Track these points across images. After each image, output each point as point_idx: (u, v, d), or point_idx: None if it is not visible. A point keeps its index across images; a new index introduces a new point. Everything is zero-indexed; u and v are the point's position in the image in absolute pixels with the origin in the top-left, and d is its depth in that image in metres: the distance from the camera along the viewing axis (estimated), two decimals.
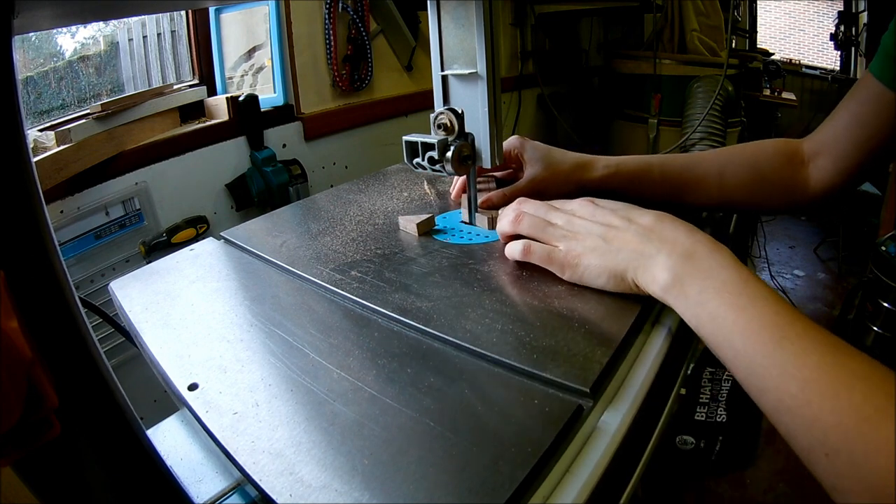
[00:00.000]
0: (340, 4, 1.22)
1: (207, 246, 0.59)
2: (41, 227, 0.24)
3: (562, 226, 0.45)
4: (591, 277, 0.42)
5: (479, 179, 0.62)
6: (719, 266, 0.36)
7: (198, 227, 1.03)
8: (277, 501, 0.27)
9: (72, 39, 1.02)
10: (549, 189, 0.57)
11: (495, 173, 0.65)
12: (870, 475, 0.27)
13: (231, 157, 1.13)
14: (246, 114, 1.12)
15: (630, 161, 0.57)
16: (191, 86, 1.19)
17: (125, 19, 1.08)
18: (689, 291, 0.36)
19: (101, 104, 0.92)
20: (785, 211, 0.59)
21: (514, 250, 0.46)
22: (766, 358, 0.32)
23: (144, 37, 1.14)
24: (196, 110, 1.16)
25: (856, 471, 0.28)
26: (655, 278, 0.38)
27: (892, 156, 0.51)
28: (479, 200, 0.57)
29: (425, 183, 0.73)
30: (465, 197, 0.57)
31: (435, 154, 0.50)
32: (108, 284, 0.52)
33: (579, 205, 0.46)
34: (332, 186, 0.80)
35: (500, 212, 0.51)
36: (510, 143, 0.60)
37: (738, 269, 0.35)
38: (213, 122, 1.12)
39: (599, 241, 0.42)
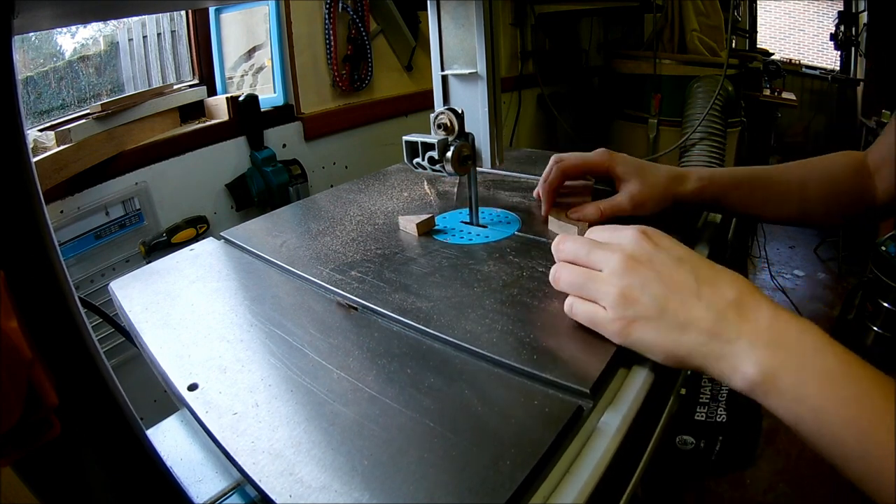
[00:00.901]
0: (340, 4, 1.22)
1: (207, 246, 0.59)
2: (41, 227, 0.24)
3: (606, 277, 0.37)
4: (645, 350, 0.36)
5: (569, 185, 0.59)
6: (814, 350, 0.31)
7: (198, 227, 1.03)
8: (277, 502, 0.27)
9: (72, 39, 1.02)
10: (648, 204, 0.54)
11: (576, 182, 0.61)
12: None
13: (231, 157, 1.13)
14: (246, 114, 1.12)
15: (724, 174, 0.55)
16: (191, 86, 1.19)
17: (125, 19, 1.08)
18: (784, 386, 0.31)
19: (101, 104, 0.91)
20: (853, 222, 0.58)
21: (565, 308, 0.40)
22: (888, 459, 0.27)
23: (144, 37, 1.14)
24: (196, 110, 1.15)
25: None
26: (739, 372, 0.32)
27: None
28: (570, 210, 0.55)
29: (425, 183, 0.73)
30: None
31: (435, 154, 0.50)
32: (108, 284, 0.52)
33: (633, 241, 0.38)
34: (332, 186, 0.80)
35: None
36: (598, 155, 0.56)
37: (836, 351, 0.31)
38: (213, 122, 1.12)
39: (656, 307, 0.34)
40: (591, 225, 0.48)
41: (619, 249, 0.37)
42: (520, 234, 0.55)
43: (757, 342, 0.32)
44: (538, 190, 0.59)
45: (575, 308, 0.38)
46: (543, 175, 0.57)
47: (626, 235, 0.38)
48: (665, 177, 0.55)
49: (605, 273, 0.37)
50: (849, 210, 0.55)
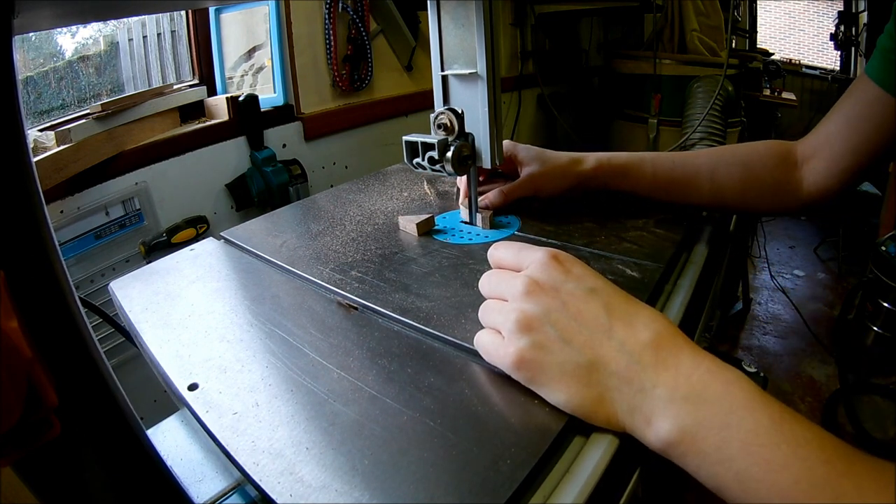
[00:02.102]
0: (340, 4, 1.22)
1: (207, 246, 0.59)
2: (41, 227, 0.24)
3: (508, 304, 0.33)
4: (545, 391, 0.31)
5: (482, 180, 0.62)
6: (743, 406, 0.27)
7: (198, 227, 1.03)
8: (277, 501, 0.27)
9: (72, 39, 1.02)
10: (546, 184, 0.58)
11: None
12: None
13: (231, 157, 1.13)
14: (246, 114, 1.12)
15: (622, 155, 0.58)
16: (191, 86, 1.19)
17: (125, 19, 1.08)
18: (705, 447, 0.27)
19: (101, 104, 0.91)
20: (777, 213, 0.58)
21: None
22: None
23: (144, 37, 1.14)
24: (196, 110, 1.15)
25: None
26: (653, 427, 0.28)
27: (889, 158, 0.50)
28: (480, 199, 0.57)
29: (425, 183, 0.73)
30: (463, 196, 0.58)
31: (435, 154, 0.50)
32: (108, 284, 0.52)
33: (540, 264, 0.34)
34: (332, 186, 0.80)
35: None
36: (503, 147, 0.59)
37: (767, 407, 0.27)
38: (213, 122, 1.12)
39: (559, 340, 0.31)
40: (494, 211, 0.56)
41: (525, 273, 0.34)
42: (520, 233, 0.55)
43: (675, 394, 0.28)
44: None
45: (478, 339, 0.35)
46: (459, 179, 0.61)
47: (534, 258, 0.34)
48: (565, 159, 0.58)
49: (508, 300, 0.33)
50: (766, 198, 0.55)
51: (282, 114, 1.21)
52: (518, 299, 0.32)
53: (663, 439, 0.28)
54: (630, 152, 0.58)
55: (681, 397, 0.28)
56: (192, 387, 0.36)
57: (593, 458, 0.30)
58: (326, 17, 1.21)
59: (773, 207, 0.56)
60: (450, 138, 0.51)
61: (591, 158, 0.58)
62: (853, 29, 3.00)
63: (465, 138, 0.52)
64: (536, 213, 0.59)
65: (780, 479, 0.25)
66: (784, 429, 0.26)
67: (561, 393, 0.30)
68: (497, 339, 0.33)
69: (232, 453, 0.30)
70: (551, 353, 0.31)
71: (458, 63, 0.52)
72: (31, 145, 0.83)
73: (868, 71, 0.49)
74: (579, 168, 0.57)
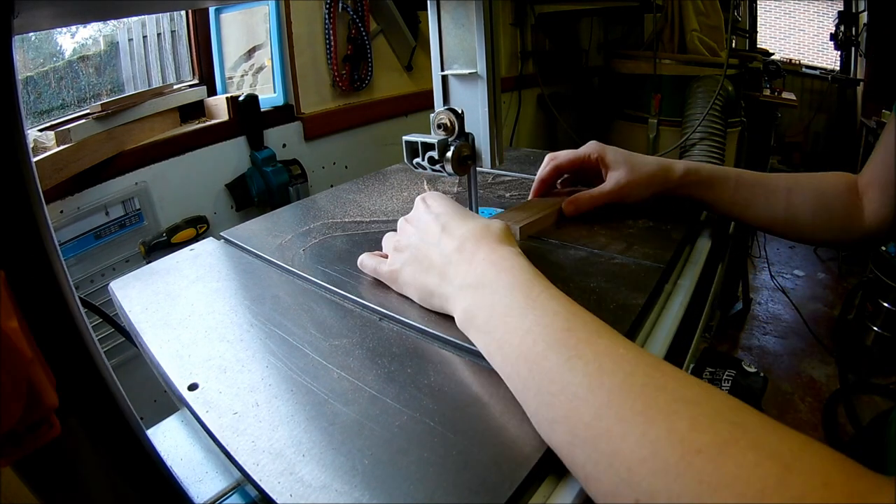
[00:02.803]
0: (340, 4, 1.22)
1: (207, 246, 0.59)
2: (41, 227, 0.24)
3: (397, 234, 0.45)
4: (408, 292, 0.42)
5: (561, 182, 0.63)
6: (504, 288, 0.33)
7: (198, 227, 1.03)
8: (277, 501, 0.27)
9: (72, 39, 1.02)
10: (633, 192, 0.56)
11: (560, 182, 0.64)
12: None
13: (231, 157, 1.13)
14: (246, 114, 1.12)
15: (706, 166, 0.57)
16: (191, 86, 1.19)
17: (125, 19, 1.08)
18: (479, 322, 0.34)
19: (101, 104, 0.91)
20: (843, 242, 0.58)
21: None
22: (555, 384, 0.27)
23: (144, 37, 1.14)
24: (196, 110, 1.15)
25: None
26: (455, 311, 0.37)
27: None
28: (565, 203, 0.57)
29: (425, 183, 0.73)
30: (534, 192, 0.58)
31: (435, 154, 0.50)
32: (108, 284, 0.52)
33: (414, 207, 0.45)
34: (332, 186, 0.80)
35: None
36: (588, 147, 0.59)
37: (525, 288, 0.32)
38: (213, 122, 1.12)
39: (412, 255, 0.41)
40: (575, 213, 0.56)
41: (403, 217, 0.45)
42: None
43: (464, 283, 0.36)
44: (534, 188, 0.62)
45: (361, 260, 0.47)
46: (538, 172, 0.60)
47: (419, 198, 0.46)
48: (652, 166, 0.57)
49: (399, 230, 0.45)
50: (839, 229, 0.55)
51: (282, 114, 1.21)
52: (396, 234, 0.45)
53: (458, 319, 0.36)
54: (713, 165, 0.58)
55: (467, 285, 0.36)
56: (192, 387, 0.36)
57: None
58: (326, 17, 1.21)
59: (839, 236, 0.56)
60: (450, 138, 0.51)
61: (679, 167, 0.57)
62: (853, 29, 3.00)
63: (465, 138, 0.52)
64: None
65: (524, 341, 0.30)
66: (535, 304, 0.31)
67: (414, 292, 0.41)
68: (380, 259, 0.46)
69: (232, 453, 0.30)
70: (408, 264, 0.42)
71: (458, 63, 0.52)
72: (31, 145, 0.83)
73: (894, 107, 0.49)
74: (668, 176, 0.56)
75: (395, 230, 0.47)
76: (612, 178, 0.56)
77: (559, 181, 0.63)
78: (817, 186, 0.56)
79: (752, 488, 0.20)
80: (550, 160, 0.60)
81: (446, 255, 0.38)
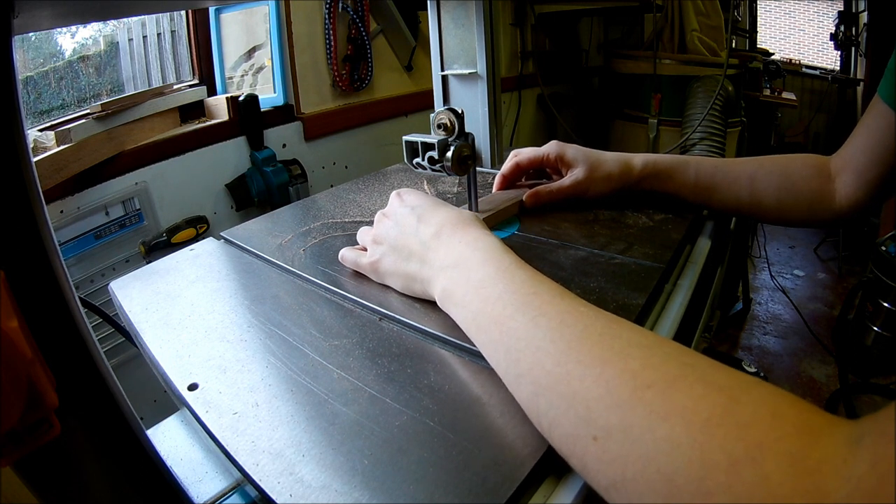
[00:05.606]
0: (340, 4, 1.22)
1: (207, 246, 0.59)
2: (41, 227, 0.24)
3: (374, 228, 0.46)
4: (389, 281, 0.44)
5: (520, 184, 0.64)
6: (478, 264, 0.36)
7: (198, 227, 1.03)
8: (277, 501, 0.27)
9: (72, 39, 1.02)
10: (592, 188, 0.58)
11: (527, 181, 0.66)
12: (656, 456, 0.21)
13: (231, 157, 1.13)
14: (246, 114, 1.12)
15: (666, 157, 0.58)
16: (191, 86, 1.19)
17: (125, 19, 1.08)
18: (456, 298, 0.36)
19: (101, 104, 0.91)
20: (810, 223, 0.59)
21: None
22: (521, 341, 0.29)
23: (144, 37, 1.14)
24: (196, 110, 1.15)
25: (635, 450, 0.22)
26: (435, 291, 0.39)
27: None
28: (526, 196, 0.59)
29: (425, 183, 0.73)
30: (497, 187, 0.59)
31: (435, 154, 0.50)
32: (108, 284, 0.52)
33: (389, 202, 0.47)
34: (332, 186, 0.80)
35: None
36: (549, 147, 0.60)
37: (495, 262, 0.35)
38: (213, 122, 1.12)
39: (391, 245, 0.43)
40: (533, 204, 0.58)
41: (380, 211, 0.47)
42: (519, 233, 0.55)
43: (443, 265, 0.38)
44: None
45: (342, 255, 0.49)
46: (501, 168, 0.62)
47: (393, 194, 0.48)
48: (611, 163, 0.58)
49: (375, 224, 0.47)
50: (807, 210, 0.56)
51: (282, 114, 1.21)
52: (374, 228, 0.46)
53: (438, 299, 0.39)
54: (674, 155, 0.59)
55: (446, 266, 0.38)
56: (192, 387, 0.36)
57: None
58: (326, 16, 1.21)
59: (807, 217, 0.57)
60: (450, 138, 0.51)
61: (638, 160, 0.58)
62: (853, 29, 3.00)
63: (465, 138, 0.52)
64: (536, 212, 0.59)
65: (495, 307, 0.32)
66: (505, 275, 0.34)
67: (396, 280, 0.43)
68: (359, 252, 0.47)
69: (232, 453, 0.30)
70: (388, 255, 0.44)
71: (458, 63, 0.52)
72: (31, 145, 0.83)
73: (880, 91, 0.50)
74: (627, 171, 0.58)
75: None
76: (571, 176, 0.59)
77: (523, 177, 0.65)
78: (782, 170, 0.56)
79: (699, 416, 0.21)
80: (513, 157, 0.62)
81: (425, 241, 0.40)
